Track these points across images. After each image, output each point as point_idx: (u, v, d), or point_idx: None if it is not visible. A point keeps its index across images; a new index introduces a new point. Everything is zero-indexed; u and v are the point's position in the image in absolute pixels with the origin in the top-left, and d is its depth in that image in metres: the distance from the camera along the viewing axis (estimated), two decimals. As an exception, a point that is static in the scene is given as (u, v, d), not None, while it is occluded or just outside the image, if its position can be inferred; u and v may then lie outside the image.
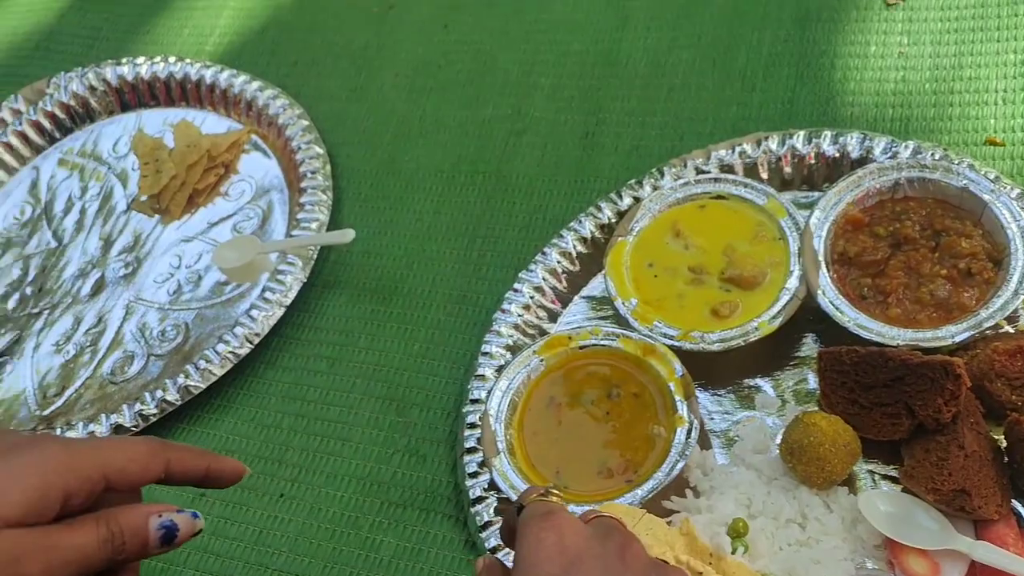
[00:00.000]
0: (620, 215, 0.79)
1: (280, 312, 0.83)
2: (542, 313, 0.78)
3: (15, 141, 1.04)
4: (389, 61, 0.99)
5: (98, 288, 0.93)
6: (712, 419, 0.70)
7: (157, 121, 1.03)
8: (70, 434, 0.80)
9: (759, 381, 0.71)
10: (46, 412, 0.85)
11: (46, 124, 1.04)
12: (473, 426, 0.72)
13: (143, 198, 0.97)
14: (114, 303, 0.91)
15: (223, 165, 0.96)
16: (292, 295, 0.83)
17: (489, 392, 0.72)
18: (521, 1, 0.99)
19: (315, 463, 0.76)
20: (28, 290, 0.95)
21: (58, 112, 1.04)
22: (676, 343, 0.70)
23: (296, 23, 1.06)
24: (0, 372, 0.90)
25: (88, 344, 0.89)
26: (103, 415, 0.80)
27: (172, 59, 1.04)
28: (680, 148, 0.83)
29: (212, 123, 1.00)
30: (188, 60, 1.03)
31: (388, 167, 0.92)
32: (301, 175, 0.91)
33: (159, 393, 0.80)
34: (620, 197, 0.80)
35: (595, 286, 0.79)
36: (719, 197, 0.77)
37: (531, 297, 0.78)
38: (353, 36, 1.02)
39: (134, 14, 1.15)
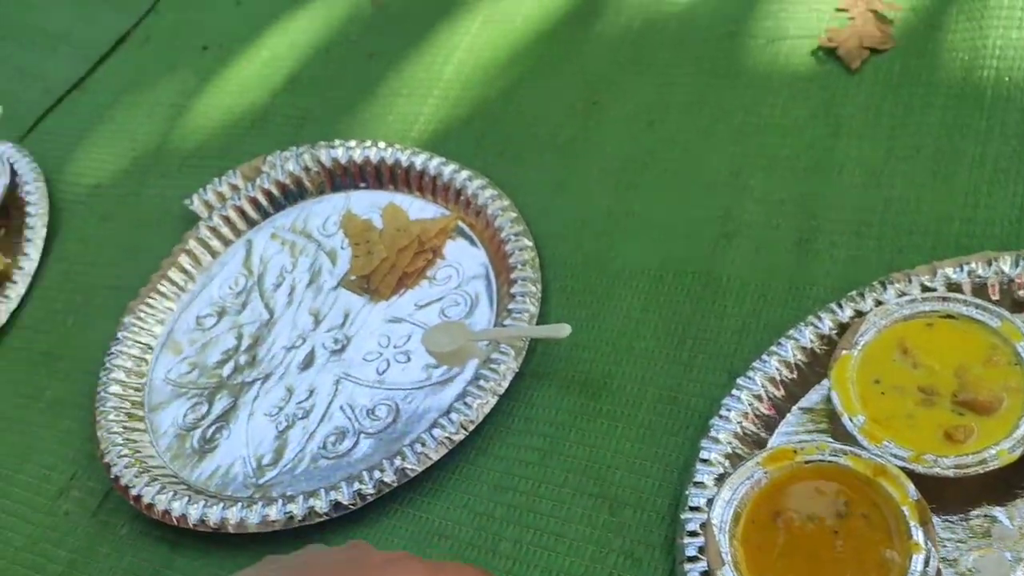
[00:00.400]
0: (841, 327, 0.79)
1: (494, 401, 0.85)
2: (759, 422, 0.78)
3: (233, 215, 1.10)
4: (594, 156, 1.02)
5: (308, 362, 0.97)
6: (944, 547, 0.69)
7: (365, 203, 1.07)
8: (290, 507, 0.83)
9: (995, 511, 0.69)
10: (261, 481, 0.89)
11: (262, 200, 1.10)
12: (693, 534, 0.72)
13: (352, 277, 1.01)
14: (324, 378, 0.95)
15: (431, 250, 1.00)
16: (505, 384, 0.85)
17: (710, 501, 0.72)
18: (728, 103, 1.00)
19: (529, 556, 0.77)
20: (242, 359, 1.00)
21: (273, 189, 1.10)
22: (908, 465, 0.69)
23: (501, 114, 1.10)
24: (217, 437, 0.94)
25: (300, 416, 0.93)
26: (322, 490, 0.83)
27: (382, 144, 1.09)
28: (900, 262, 0.83)
29: (419, 208, 1.04)
30: (398, 146, 1.08)
31: (594, 262, 0.94)
32: (511, 266, 0.94)
33: (376, 474, 0.83)
34: (841, 308, 0.80)
35: (812, 397, 0.79)
36: (948, 316, 0.76)
37: (750, 405, 0.78)
38: (558, 129, 1.06)
39: (342, 98, 1.21)
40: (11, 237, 1.24)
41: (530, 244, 0.95)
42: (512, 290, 0.92)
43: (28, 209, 1.24)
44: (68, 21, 1.53)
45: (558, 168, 1.02)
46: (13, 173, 1.28)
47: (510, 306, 0.91)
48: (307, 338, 0.99)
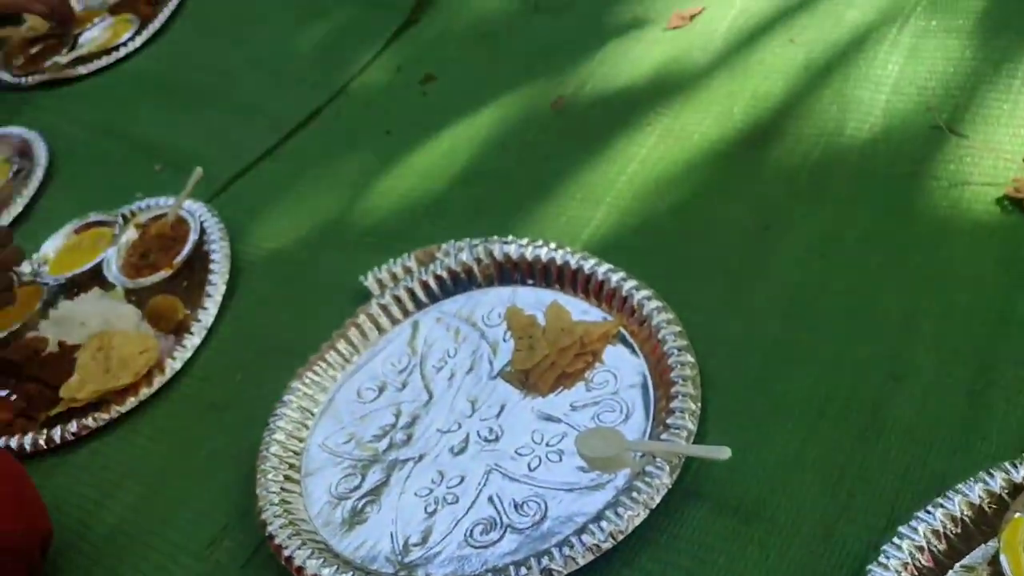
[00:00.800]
0: (1015, 487, 0.77)
1: (645, 514, 0.85)
2: (919, 574, 0.76)
3: (403, 295, 1.15)
4: (764, 280, 1.03)
5: (462, 448, 0.99)
6: None
7: (530, 299, 1.11)
8: (435, 591, 0.85)
9: None
10: (406, 559, 0.92)
11: (432, 285, 1.15)
12: None
13: (512, 370, 1.04)
14: (476, 466, 0.97)
15: (591, 353, 1.02)
16: (658, 499, 0.86)
17: (865, 650, 0.70)
18: (904, 244, 1.00)
19: None
20: (399, 436, 1.03)
21: (445, 276, 1.15)
22: (1082, 646, 0.67)
23: (671, 228, 1.13)
24: (367, 510, 0.97)
25: (450, 501, 0.95)
26: (467, 579, 0.85)
27: (553, 245, 1.12)
28: (1081, 428, 0.81)
29: (582, 310, 1.07)
30: (568, 249, 1.11)
31: (756, 387, 0.94)
32: (671, 380, 0.95)
33: (523, 571, 0.84)
34: (1016, 467, 0.78)
35: (976, 555, 0.77)
36: None
37: (911, 555, 0.76)
38: (728, 250, 1.07)
39: (516, 195, 1.26)
40: (193, 290, 1.33)
41: (692, 360, 0.96)
42: (671, 404, 0.93)
43: (211, 266, 1.33)
44: (265, 95, 1.65)
45: (726, 288, 1.04)
46: (202, 231, 1.38)
47: (668, 420, 0.92)
48: (462, 424, 1.02)
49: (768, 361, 0.96)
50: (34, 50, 1.98)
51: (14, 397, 1.26)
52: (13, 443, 1.19)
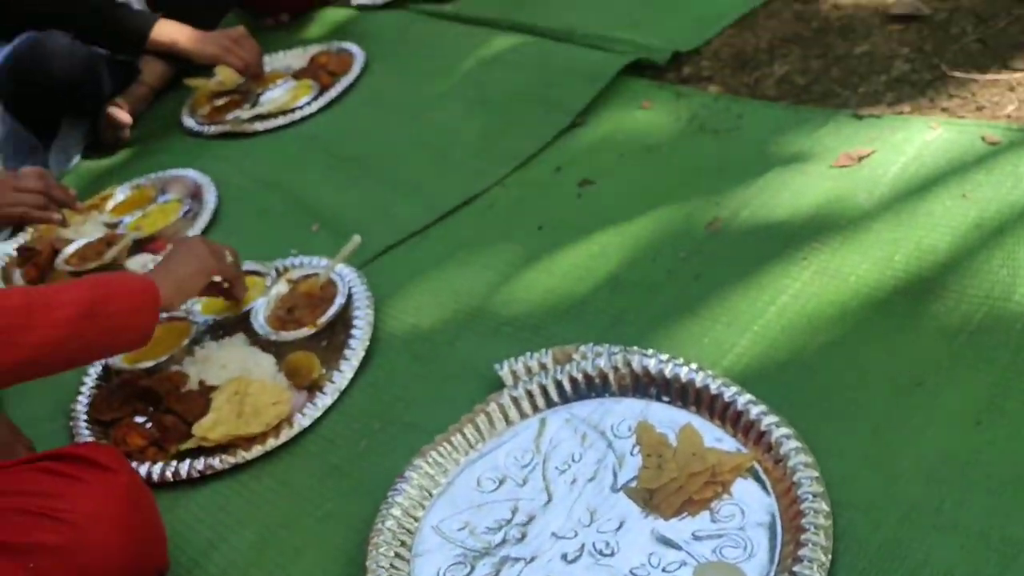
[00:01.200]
0: None
1: (760, 663, 0.82)
2: None
3: (536, 390, 1.16)
4: (911, 438, 0.99)
5: (575, 557, 0.98)
6: None
7: (663, 416, 1.09)
8: None
9: None
10: (505, 662, 0.90)
11: (566, 385, 1.15)
12: None
13: (637, 487, 1.02)
14: (587, 578, 0.96)
15: (721, 484, 1.00)
16: (776, 650, 0.83)
17: None
18: (1070, 424, 0.95)
19: None
20: (513, 532, 1.03)
21: (579, 378, 1.15)
22: None
23: (819, 368, 1.10)
24: (471, 603, 0.97)
25: (556, 610, 0.93)
26: None
27: (694, 366, 1.11)
28: None
29: (715, 437, 1.05)
30: (710, 372, 1.10)
31: (891, 549, 0.90)
32: (802, 527, 0.92)
33: None
34: None
35: None
36: None
37: None
38: (877, 401, 1.04)
39: (660, 308, 1.26)
40: (332, 351, 1.36)
41: (827, 508, 0.93)
42: (799, 552, 0.90)
43: (353, 331, 1.37)
44: (426, 174, 1.70)
45: (870, 439, 1.00)
46: (349, 295, 1.42)
47: (794, 568, 0.88)
48: (579, 533, 1.00)
49: (907, 524, 0.91)
50: (219, 102, 2.11)
51: (150, 425, 1.32)
52: (143, 470, 1.24)
